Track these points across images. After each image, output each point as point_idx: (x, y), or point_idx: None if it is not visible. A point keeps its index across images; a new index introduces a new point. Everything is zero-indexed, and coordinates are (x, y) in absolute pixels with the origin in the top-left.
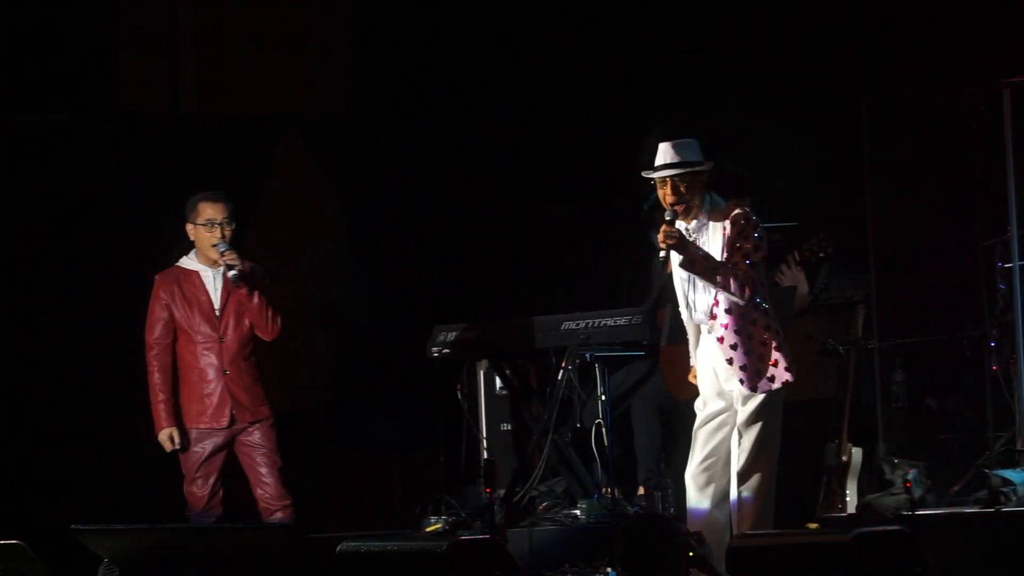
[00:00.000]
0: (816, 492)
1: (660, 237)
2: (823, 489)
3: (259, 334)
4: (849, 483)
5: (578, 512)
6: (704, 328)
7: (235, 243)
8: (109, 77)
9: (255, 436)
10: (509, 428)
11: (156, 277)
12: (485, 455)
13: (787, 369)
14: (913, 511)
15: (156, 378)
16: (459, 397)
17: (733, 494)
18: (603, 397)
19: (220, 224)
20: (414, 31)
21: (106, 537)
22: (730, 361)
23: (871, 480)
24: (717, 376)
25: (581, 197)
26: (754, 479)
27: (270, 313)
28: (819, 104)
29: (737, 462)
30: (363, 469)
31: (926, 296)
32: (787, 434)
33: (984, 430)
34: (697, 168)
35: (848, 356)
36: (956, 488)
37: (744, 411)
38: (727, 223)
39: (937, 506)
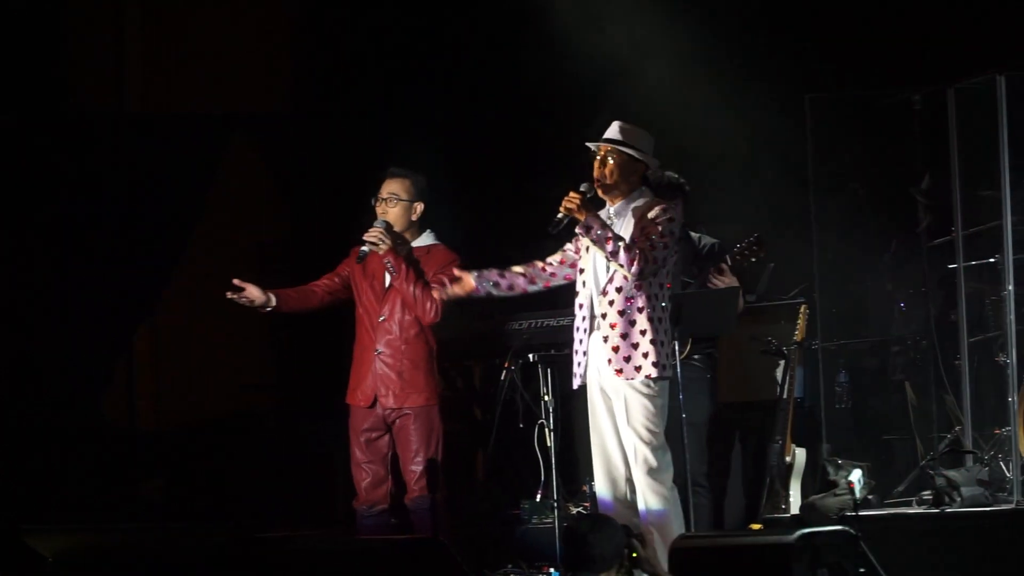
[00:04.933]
0: (759, 493)
1: (563, 201)
2: (766, 490)
3: (418, 316)
4: (792, 484)
5: (521, 512)
6: (598, 310)
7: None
8: (55, 77)
9: (403, 422)
10: (452, 429)
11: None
12: None
13: (655, 364)
14: (857, 511)
15: None
16: None
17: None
18: (546, 397)
19: (381, 200)
20: (359, 31)
21: (53, 537)
22: (605, 339)
23: (815, 481)
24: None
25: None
26: (637, 473)
27: (419, 294)
28: (762, 104)
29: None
30: (308, 468)
31: (869, 297)
32: (730, 435)
33: (928, 431)
34: (629, 151)
35: (791, 357)
36: (900, 488)
37: (621, 402)
38: (649, 212)
39: (881, 507)
